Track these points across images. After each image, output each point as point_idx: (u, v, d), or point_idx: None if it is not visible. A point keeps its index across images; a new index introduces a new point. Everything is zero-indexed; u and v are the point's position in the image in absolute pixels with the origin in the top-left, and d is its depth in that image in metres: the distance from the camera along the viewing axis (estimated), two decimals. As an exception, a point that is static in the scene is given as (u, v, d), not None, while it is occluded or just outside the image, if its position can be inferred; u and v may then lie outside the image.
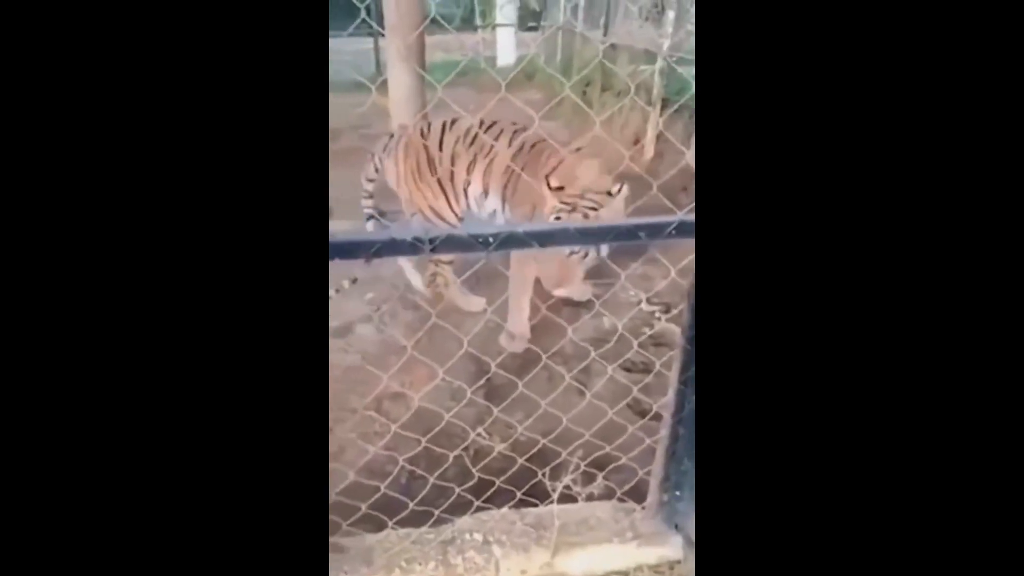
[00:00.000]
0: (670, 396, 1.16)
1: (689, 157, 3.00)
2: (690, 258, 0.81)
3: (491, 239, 0.84)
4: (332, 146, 5.00)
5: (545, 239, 0.88)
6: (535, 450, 1.36)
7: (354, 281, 2.66)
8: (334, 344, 2.18)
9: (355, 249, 0.82)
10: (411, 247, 0.83)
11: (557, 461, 1.34)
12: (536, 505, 1.34)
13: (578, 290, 2.48)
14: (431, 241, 0.84)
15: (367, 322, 2.39)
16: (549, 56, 7.37)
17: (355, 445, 1.67)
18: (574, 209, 1.79)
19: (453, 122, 2.21)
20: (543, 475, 1.31)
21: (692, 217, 0.84)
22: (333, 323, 2.30)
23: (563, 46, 7.04)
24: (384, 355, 2.16)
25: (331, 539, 1.32)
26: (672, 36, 4.02)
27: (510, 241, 0.85)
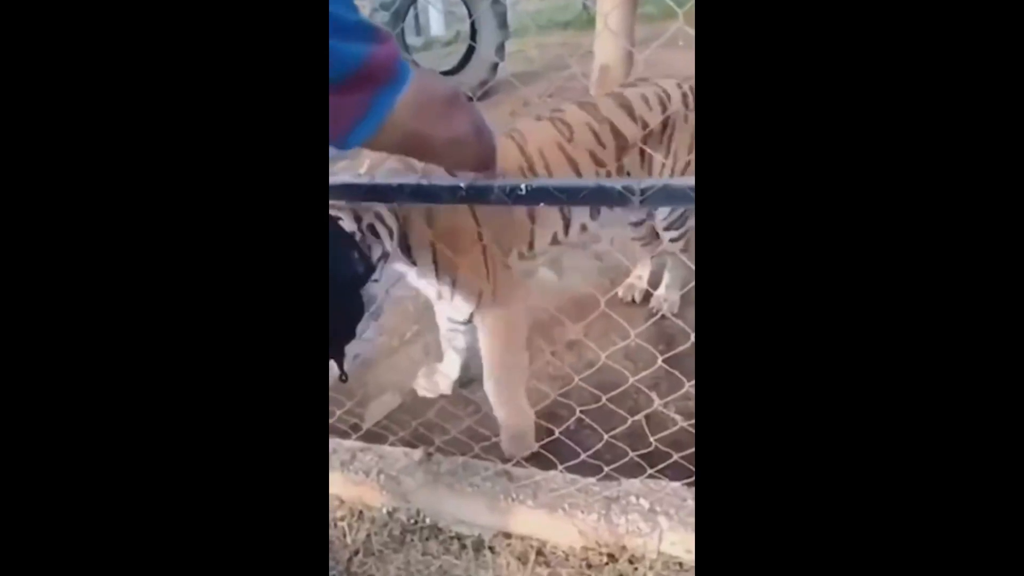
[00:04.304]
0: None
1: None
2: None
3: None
4: (534, 88, 4.99)
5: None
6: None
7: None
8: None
9: (570, 195, 0.80)
10: (619, 196, 0.78)
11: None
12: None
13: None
14: (642, 192, 0.77)
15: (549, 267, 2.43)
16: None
17: (534, 388, 1.74)
18: None
19: None
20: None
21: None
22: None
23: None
24: (566, 306, 2.18)
25: (502, 466, 1.42)
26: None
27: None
